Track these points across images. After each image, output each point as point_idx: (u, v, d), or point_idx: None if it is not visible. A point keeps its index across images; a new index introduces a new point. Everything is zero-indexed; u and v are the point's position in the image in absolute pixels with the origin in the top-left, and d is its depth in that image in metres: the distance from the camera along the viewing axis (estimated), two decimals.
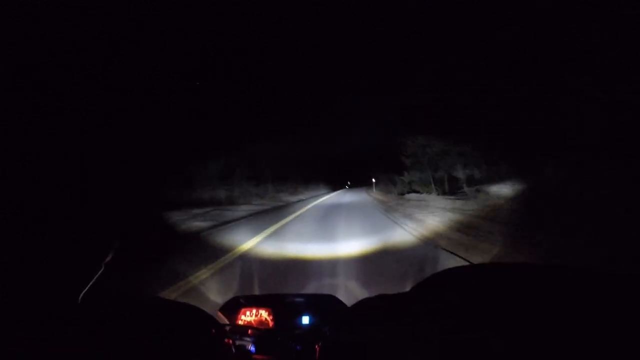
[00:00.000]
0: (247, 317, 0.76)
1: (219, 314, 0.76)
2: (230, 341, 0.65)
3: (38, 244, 0.61)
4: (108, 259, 0.64)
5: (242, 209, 10.42)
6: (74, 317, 0.59)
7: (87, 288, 0.61)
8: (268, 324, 0.74)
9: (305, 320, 0.73)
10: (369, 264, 3.02)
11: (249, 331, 0.68)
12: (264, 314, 0.76)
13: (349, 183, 47.68)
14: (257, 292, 2.27)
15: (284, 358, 0.63)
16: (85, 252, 0.63)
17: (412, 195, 11.30)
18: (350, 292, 2.27)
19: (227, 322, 0.74)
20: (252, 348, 0.65)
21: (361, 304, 0.67)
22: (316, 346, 0.63)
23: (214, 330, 0.66)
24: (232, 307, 0.79)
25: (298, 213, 9.00)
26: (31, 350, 0.50)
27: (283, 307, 0.79)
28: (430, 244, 3.74)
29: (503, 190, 7.14)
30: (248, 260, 3.46)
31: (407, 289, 0.64)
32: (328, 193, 27.72)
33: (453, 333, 0.47)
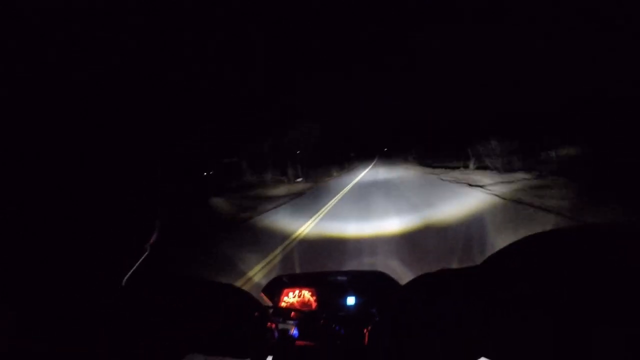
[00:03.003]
0: (290, 298, 0.78)
1: (262, 295, 0.80)
2: (273, 325, 0.67)
3: (76, 226, 0.65)
4: (152, 240, 0.69)
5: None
6: (118, 300, 0.65)
7: (131, 271, 0.66)
8: (311, 305, 0.76)
9: (351, 300, 0.73)
10: None
11: (292, 314, 0.70)
12: (307, 294, 0.77)
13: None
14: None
15: (328, 343, 0.64)
16: (129, 234, 0.68)
17: None
18: None
19: (270, 304, 0.77)
20: (295, 332, 0.66)
21: (417, 280, 0.64)
22: (365, 330, 0.62)
23: (257, 313, 0.69)
24: (275, 288, 0.81)
25: None
26: (75, 334, 0.56)
27: (327, 286, 0.80)
28: None
29: None
30: None
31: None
32: None
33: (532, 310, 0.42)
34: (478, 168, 12.41)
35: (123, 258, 0.66)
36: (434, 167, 16.80)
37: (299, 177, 20.81)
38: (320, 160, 26.17)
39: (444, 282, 0.60)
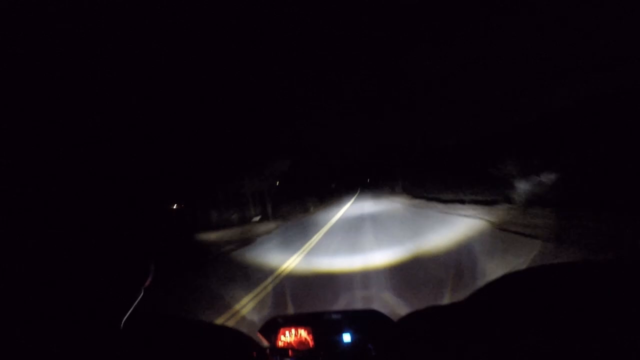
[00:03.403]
0: (287, 337, 0.95)
1: (259, 335, 0.97)
2: None
3: (74, 269, 0.82)
4: (147, 282, 0.86)
5: None
6: (118, 343, 0.80)
7: (128, 313, 0.83)
8: (308, 344, 0.93)
9: (347, 338, 0.90)
10: None
11: (290, 352, 0.88)
12: (303, 333, 0.94)
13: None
14: None
15: None
16: (124, 276, 0.85)
17: None
18: None
19: (267, 344, 0.95)
20: None
21: (409, 317, 0.82)
22: None
23: (255, 354, 0.87)
24: (271, 328, 0.98)
25: None
26: None
27: (323, 325, 0.97)
28: None
29: None
30: None
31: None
32: None
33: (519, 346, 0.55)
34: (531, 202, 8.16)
35: (120, 299, 0.83)
36: (445, 202, 12.94)
37: (256, 216, 19.45)
38: (300, 193, 26.60)
39: (435, 317, 0.79)
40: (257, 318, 4.07)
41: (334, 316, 1.03)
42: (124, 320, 0.82)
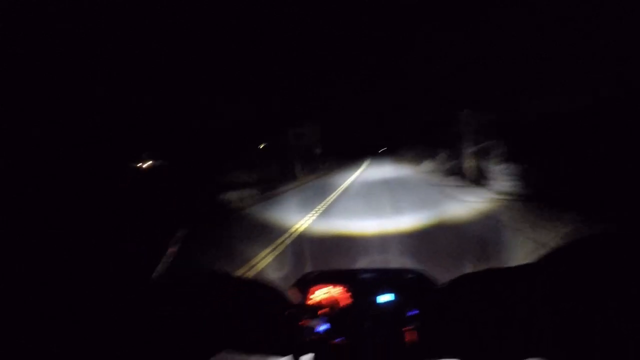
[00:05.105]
0: (319, 295, 0.89)
1: (290, 292, 0.92)
2: (306, 322, 0.80)
3: (106, 234, 0.80)
4: (175, 248, 0.84)
5: None
6: (144, 298, 0.77)
7: (159, 266, 0.81)
8: (344, 302, 0.87)
9: (388, 298, 0.84)
10: None
11: (321, 312, 0.83)
12: (337, 292, 0.89)
13: None
14: None
15: (362, 342, 0.75)
16: (154, 242, 0.83)
17: None
18: None
19: (299, 302, 0.91)
20: (328, 330, 0.78)
21: (461, 280, 0.74)
22: (404, 329, 0.73)
23: (287, 312, 0.82)
24: (303, 285, 0.93)
25: None
26: (102, 333, 0.68)
27: (359, 284, 0.92)
28: None
29: None
30: None
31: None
32: None
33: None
34: None
35: (150, 264, 0.80)
36: None
37: None
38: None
39: (491, 282, 0.71)
40: None
41: (373, 275, 0.97)
42: (154, 274, 0.79)
